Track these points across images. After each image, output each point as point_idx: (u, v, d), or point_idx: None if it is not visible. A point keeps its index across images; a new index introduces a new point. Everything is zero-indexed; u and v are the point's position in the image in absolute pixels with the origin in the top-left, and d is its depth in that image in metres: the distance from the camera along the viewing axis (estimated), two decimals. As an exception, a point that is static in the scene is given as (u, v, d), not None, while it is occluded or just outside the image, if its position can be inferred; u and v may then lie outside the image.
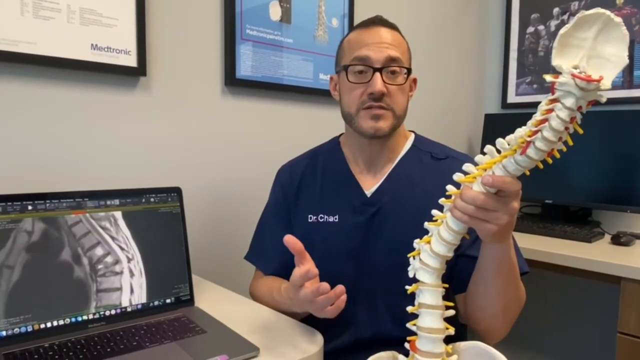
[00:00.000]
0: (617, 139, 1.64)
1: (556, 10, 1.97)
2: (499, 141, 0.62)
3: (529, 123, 0.58)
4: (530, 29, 2.05)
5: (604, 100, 0.55)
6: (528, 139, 0.57)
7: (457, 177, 0.67)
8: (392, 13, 1.78)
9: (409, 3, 1.85)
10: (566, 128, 0.56)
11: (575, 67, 0.55)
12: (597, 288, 1.85)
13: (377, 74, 0.90)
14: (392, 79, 0.92)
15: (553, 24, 1.98)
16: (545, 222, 1.72)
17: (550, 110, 0.55)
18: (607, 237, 1.58)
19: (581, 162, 1.70)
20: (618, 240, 1.48)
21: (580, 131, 0.56)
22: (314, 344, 0.76)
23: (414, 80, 1.01)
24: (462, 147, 2.13)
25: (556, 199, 1.76)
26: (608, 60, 0.55)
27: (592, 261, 1.29)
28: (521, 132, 0.59)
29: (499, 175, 0.62)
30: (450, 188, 0.68)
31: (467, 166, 0.66)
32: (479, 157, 0.65)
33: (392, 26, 0.97)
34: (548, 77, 0.56)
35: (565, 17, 1.94)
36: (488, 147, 0.64)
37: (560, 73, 0.55)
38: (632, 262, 1.24)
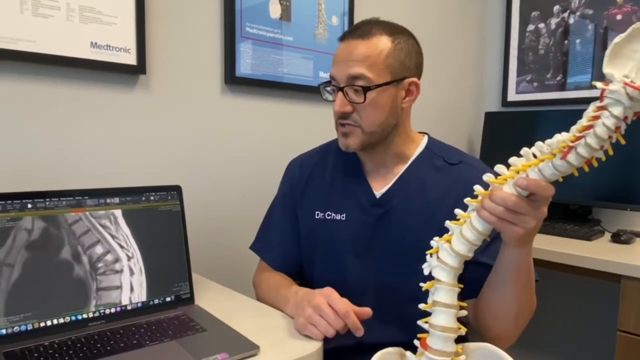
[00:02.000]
0: (618, 137, 1.63)
1: (556, 7, 1.96)
2: (538, 144, 0.62)
3: (573, 128, 0.58)
4: (531, 27, 2.05)
5: None
6: (571, 144, 0.57)
7: (487, 177, 0.67)
8: (392, 11, 1.77)
9: (409, 0, 1.85)
10: (610, 137, 0.56)
11: (625, 77, 0.55)
12: (597, 286, 1.85)
13: (339, 94, 0.90)
14: (357, 96, 0.89)
15: (553, 21, 1.97)
16: (545, 220, 1.70)
17: (597, 117, 0.55)
18: (607, 235, 1.58)
19: (581, 160, 1.70)
20: (618, 238, 1.48)
21: (623, 141, 0.56)
22: (314, 342, 0.76)
23: (413, 84, 0.93)
24: (462, 145, 2.13)
25: (556, 197, 1.74)
26: None
27: (592, 259, 1.29)
28: (563, 137, 0.59)
29: (534, 179, 0.62)
30: (477, 188, 0.67)
31: (498, 167, 0.66)
32: (513, 159, 0.65)
33: (364, 35, 0.89)
34: (598, 85, 0.56)
35: (565, 14, 1.94)
36: (524, 150, 0.63)
37: (610, 81, 0.55)
38: (633, 260, 1.25)
